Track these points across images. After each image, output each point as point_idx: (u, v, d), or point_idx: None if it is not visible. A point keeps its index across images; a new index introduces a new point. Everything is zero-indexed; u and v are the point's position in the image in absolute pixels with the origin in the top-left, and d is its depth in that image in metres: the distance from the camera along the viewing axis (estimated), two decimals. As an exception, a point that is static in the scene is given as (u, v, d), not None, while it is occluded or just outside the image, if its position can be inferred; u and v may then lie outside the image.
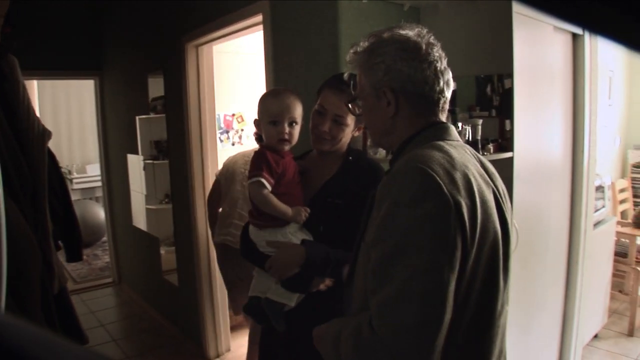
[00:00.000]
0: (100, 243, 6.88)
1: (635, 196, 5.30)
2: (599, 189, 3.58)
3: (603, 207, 3.69)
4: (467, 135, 2.16)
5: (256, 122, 1.69)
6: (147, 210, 4.50)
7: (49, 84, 7.26)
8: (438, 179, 0.98)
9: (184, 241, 3.91)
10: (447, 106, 1.19)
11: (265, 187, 1.57)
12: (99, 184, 6.23)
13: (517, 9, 2.24)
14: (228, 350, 3.85)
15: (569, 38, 2.95)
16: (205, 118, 3.58)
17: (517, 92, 2.26)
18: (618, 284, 4.31)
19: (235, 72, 5.55)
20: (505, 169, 2.23)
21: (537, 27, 2.50)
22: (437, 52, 1.15)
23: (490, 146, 2.20)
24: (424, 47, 1.13)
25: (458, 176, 1.01)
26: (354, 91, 1.64)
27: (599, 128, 3.28)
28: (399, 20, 2.43)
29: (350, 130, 1.69)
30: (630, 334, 3.93)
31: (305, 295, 1.63)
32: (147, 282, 4.82)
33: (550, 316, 3.01)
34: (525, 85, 2.37)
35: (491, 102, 2.40)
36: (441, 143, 1.10)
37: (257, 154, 1.64)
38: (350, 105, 1.43)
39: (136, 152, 4.45)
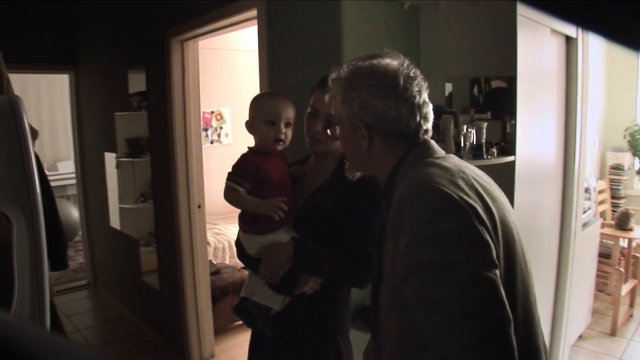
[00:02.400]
0: (72, 243, 6.65)
1: (613, 197, 5.40)
2: (586, 191, 3.60)
3: (590, 208, 3.73)
4: (472, 139, 2.12)
5: (248, 124, 1.67)
6: (122, 209, 4.38)
7: (18, 77, 6.99)
8: (447, 190, 0.98)
9: (165, 242, 3.78)
10: (429, 132, 1.17)
11: (235, 189, 1.58)
12: (72, 181, 6.04)
13: (521, 11, 2.21)
14: (212, 355, 3.74)
15: (562, 41, 2.95)
16: (190, 115, 3.47)
17: (518, 94, 2.24)
18: (600, 284, 4.37)
19: (214, 69, 5.44)
20: (507, 172, 2.21)
21: (536, 29, 2.48)
22: (417, 86, 1.13)
23: (494, 149, 2.17)
24: (401, 82, 1.11)
25: (461, 182, 1.01)
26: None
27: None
28: (398, 19, 2.40)
29: None
30: (613, 333, 3.99)
31: (290, 299, 1.64)
32: (125, 285, 4.67)
33: (541, 316, 3.00)
34: (525, 87, 2.35)
35: (486, 103, 2.38)
36: (430, 160, 1.10)
37: (240, 158, 1.65)
38: (327, 131, 1.45)
39: (114, 150, 4.30)
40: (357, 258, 1.59)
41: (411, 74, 1.13)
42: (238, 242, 1.74)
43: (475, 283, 0.91)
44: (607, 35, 0.32)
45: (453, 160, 1.12)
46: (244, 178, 1.58)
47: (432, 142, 1.17)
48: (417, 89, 1.12)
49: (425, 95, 1.15)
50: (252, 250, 1.64)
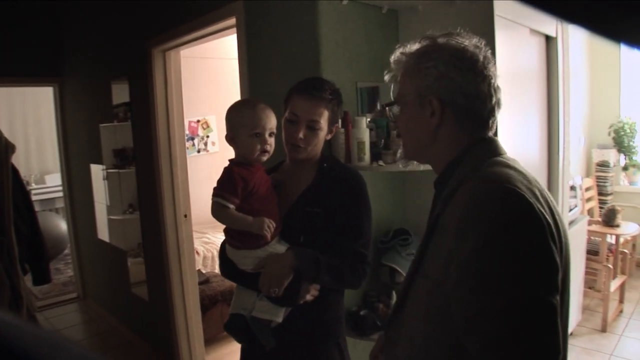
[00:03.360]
0: (62, 256, 6.60)
1: (600, 194, 5.43)
2: (572, 188, 3.62)
3: (576, 206, 3.74)
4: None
5: (229, 137, 1.62)
6: (110, 220, 4.35)
7: (3, 91, 6.95)
8: (529, 199, 0.89)
9: (153, 252, 3.76)
10: (495, 126, 1.09)
11: (226, 207, 1.53)
12: (60, 194, 5.99)
13: (498, 11, 2.22)
14: (203, 364, 3.72)
15: (542, 40, 2.96)
16: (174, 125, 3.45)
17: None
18: (589, 281, 4.38)
19: (199, 78, 5.43)
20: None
21: (514, 29, 2.50)
22: (493, 68, 1.06)
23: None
24: (481, 59, 1.04)
25: (538, 193, 0.94)
26: (328, 96, 1.63)
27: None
28: (377, 22, 2.40)
29: (324, 135, 1.68)
30: (604, 330, 4.00)
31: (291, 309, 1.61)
32: (115, 297, 4.64)
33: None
34: (506, 87, 2.35)
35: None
36: (502, 159, 1.02)
37: (224, 172, 1.60)
38: (386, 109, 1.33)
39: (100, 162, 4.27)
40: (353, 259, 1.60)
41: (488, 55, 1.07)
42: (223, 259, 1.69)
43: (538, 305, 0.85)
44: (588, 27, 0.32)
45: (522, 166, 1.04)
46: (233, 193, 1.53)
47: (497, 139, 1.09)
48: (493, 70, 1.06)
49: (498, 81, 1.08)
50: (248, 266, 1.59)
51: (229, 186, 1.54)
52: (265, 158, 1.61)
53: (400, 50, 1.13)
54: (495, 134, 1.11)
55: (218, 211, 1.54)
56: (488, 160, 1.02)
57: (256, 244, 1.57)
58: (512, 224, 0.88)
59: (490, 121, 1.07)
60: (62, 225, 6.30)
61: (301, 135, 1.60)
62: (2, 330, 0.29)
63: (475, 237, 0.89)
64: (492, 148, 1.06)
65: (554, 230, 0.90)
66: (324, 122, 1.64)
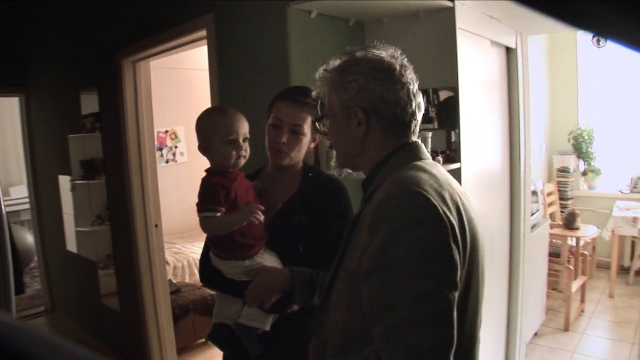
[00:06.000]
0: (28, 269, 6.46)
1: (561, 199, 5.62)
2: (534, 193, 3.76)
3: (537, 210, 3.88)
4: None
5: (202, 147, 1.58)
6: (79, 232, 4.30)
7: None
8: (434, 201, 0.97)
9: (124, 263, 3.74)
10: (417, 129, 1.17)
11: (214, 220, 1.49)
12: (25, 206, 5.88)
13: (460, 24, 2.33)
14: (176, 375, 3.71)
15: (503, 52, 3.09)
16: (144, 135, 3.46)
17: (461, 104, 2.35)
18: (552, 283, 4.54)
19: (167, 88, 5.42)
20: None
21: (476, 41, 2.61)
22: (410, 74, 1.13)
23: (440, 158, 2.26)
24: (397, 68, 1.11)
25: (447, 196, 1.01)
26: (312, 102, 1.62)
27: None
28: (344, 35, 2.48)
29: (307, 141, 1.65)
30: (566, 329, 4.15)
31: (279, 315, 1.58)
32: (85, 309, 4.57)
33: (496, 317, 3.12)
34: (468, 97, 2.46)
35: (427, 113, 2.46)
36: (421, 163, 1.09)
37: (203, 184, 1.55)
38: (316, 124, 1.37)
39: (68, 173, 4.23)
40: None
41: (404, 63, 1.14)
42: (206, 267, 1.65)
43: (434, 299, 0.93)
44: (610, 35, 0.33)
45: (440, 170, 1.12)
46: (217, 202, 1.49)
47: (422, 145, 1.17)
48: (410, 76, 1.12)
49: (417, 86, 1.14)
50: (236, 275, 1.56)
51: (210, 197, 1.50)
52: (242, 163, 1.58)
53: (323, 67, 1.20)
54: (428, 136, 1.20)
55: (208, 225, 1.51)
56: (407, 165, 1.09)
57: (243, 254, 1.54)
58: (415, 222, 0.96)
59: (413, 124, 1.14)
60: (29, 238, 6.17)
61: (284, 139, 1.58)
62: (3, 332, 0.29)
63: (382, 233, 0.97)
64: (414, 153, 1.13)
65: (457, 231, 0.98)
66: (307, 128, 1.62)
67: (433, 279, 0.94)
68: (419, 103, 1.14)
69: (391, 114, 1.11)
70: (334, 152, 2.05)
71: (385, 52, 1.14)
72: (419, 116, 1.15)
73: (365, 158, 1.16)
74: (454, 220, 0.98)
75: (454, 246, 0.96)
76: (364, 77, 1.10)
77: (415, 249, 0.95)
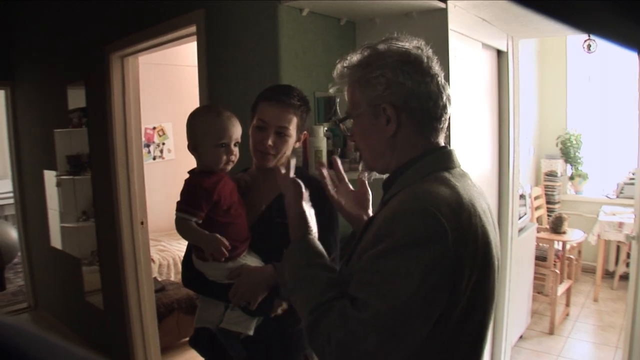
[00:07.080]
0: (11, 265, 6.38)
1: (548, 203, 5.65)
2: (522, 197, 3.77)
3: (525, 214, 3.89)
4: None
5: (191, 147, 1.55)
6: (63, 228, 4.25)
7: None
8: (446, 226, 0.92)
9: (109, 259, 3.69)
10: (446, 125, 1.11)
11: (186, 223, 1.46)
12: (9, 201, 5.80)
13: (452, 26, 2.32)
14: (160, 374, 3.67)
15: (494, 54, 3.09)
16: (131, 132, 3.42)
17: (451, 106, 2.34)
18: (537, 286, 4.55)
19: (156, 84, 5.37)
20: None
21: (467, 43, 2.60)
22: (437, 66, 1.08)
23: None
24: (425, 59, 1.05)
25: (464, 217, 0.96)
26: (297, 102, 1.60)
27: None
28: (335, 34, 2.47)
29: (292, 142, 1.63)
30: (551, 332, 4.17)
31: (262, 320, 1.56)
32: (68, 306, 4.52)
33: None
34: (458, 100, 2.45)
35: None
36: (446, 175, 1.04)
37: (186, 184, 1.52)
38: (340, 126, 1.32)
39: (54, 168, 4.18)
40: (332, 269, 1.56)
41: (430, 54, 1.07)
42: (188, 270, 1.62)
43: (399, 322, 0.93)
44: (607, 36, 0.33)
45: (468, 183, 1.06)
46: (197, 207, 1.45)
47: (453, 151, 1.11)
48: (437, 68, 1.07)
49: (443, 78, 1.09)
50: (218, 277, 1.53)
51: (191, 200, 1.46)
52: (230, 168, 1.56)
53: (342, 63, 1.13)
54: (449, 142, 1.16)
55: (179, 226, 1.48)
56: (432, 175, 1.04)
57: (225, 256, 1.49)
58: (417, 244, 0.93)
59: (444, 119, 1.08)
60: (12, 233, 6.09)
61: (270, 142, 1.56)
62: (3, 332, 0.29)
63: (383, 245, 0.95)
64: (441, 160, 1.08)
65: (465, 259, 0.95)
66: (292, 129, 1.60)
67: (408, 305, 0.92)
68: (449, 95, 1.08)
69: (423, 108, 1.05)
70: (322, 155, 2.04)
71: (409, 44, 1.08)
72: (449, 110, 1.09)
73: (394, 158, 1.10)
74: (465, 248, 0.95)
75: (448, 277, 0.94)
76: (391, 71, 1.03)
77: (406, 269, 0.92)
